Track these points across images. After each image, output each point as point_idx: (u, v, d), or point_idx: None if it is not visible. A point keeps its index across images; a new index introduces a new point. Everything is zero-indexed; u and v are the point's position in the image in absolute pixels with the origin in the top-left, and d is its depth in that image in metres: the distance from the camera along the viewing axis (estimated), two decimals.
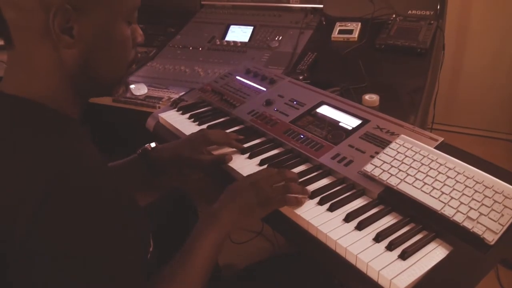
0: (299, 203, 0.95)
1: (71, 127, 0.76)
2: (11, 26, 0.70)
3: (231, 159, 1.13)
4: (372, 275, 0.81)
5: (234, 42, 1.97)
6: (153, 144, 1.20)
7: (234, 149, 1.17)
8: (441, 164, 0.98)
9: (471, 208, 0.88)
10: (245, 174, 1.07)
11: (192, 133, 1.20)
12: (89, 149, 0.74)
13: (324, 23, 1.95)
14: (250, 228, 2.14)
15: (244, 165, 1.12)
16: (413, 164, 0.99)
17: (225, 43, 1.99)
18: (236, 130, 1.28)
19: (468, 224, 0.85)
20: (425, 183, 0.95)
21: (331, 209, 0.95)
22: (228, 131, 1.26)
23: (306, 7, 2.05)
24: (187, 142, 1.17)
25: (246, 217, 0.93)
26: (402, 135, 1.08)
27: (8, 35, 0.71)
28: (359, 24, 1.86)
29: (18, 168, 0.65)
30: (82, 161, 0.68)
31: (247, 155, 1.15)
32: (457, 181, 0.94)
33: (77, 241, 0.63)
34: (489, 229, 0.84)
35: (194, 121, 1.34)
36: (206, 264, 0.85)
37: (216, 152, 1.17)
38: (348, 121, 1.18)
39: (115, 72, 0.81)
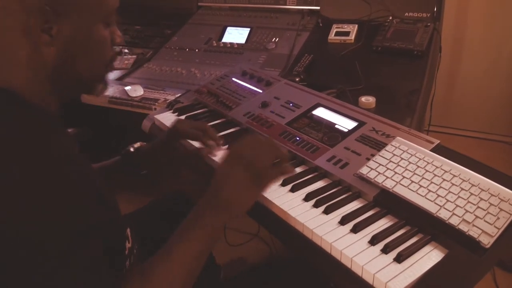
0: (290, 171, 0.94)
1: (43, 118, 0.77)
2: None
3: (207, 152, 1.13)
4: (367, 278, 0.80)
5: (231, 43, 1.97)
6: (137, 145, 1.21)
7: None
8: (437, 167, 0.98)
9: (466, 211, 0.87)
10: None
11: (166, 131, 1.22)
12: (60, 140, 0.76)
13: (320, 25, 1.96)
14: (246, 230, 2.14)
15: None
16: (409, 166, 0.99)
17: (222, 44, 1.99)
18: (232, 132, 1.28)
19: (463, 227, 0.85)
20: (421, 186, 0.94)
21: (326, 211, 0.94)
22: (223, 133, 1.26)
23: (303, 9, 2.05)
24: (160, 139, 1.20)
25: (238, 201, 0.86)
26: (398, 138, 1.07)
27: None
28: (356, 26, 1.86)
29: None
30: (47, 149, 0.70)
31: None
32: (453, 184, 0.93)
33: (41, 235, 0.64)
34: (484, 232, 0.83)
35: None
36: (190, 262, 0.81)
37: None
38: (344, 123, 1.18)
39: (93, 71, 0.84)
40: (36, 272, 0.63)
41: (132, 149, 1.20)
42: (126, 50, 2.06)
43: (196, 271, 0.83)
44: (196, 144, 1.19)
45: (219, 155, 1.13)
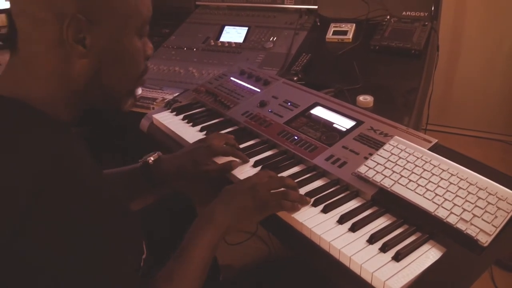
0: (295, 208, 0.94)
1: (61, 130, 0.76)
2: (21, 35, 0.71)
3: (237, 165, 1.11)
4: (366, 276, 0.81)
5: (229, 43, 1.97)
6: (155, 156, 1.16)
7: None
8: (434, 166, 0.98)
9: (464, 209, 0.88)
10: (239, 175, 1.07)
11: (195, 145, 1.16)
12: (79, 152, 0.74)
13: (318, 24, 1.95)
14: (244, 228, 2.14)
15: (238, 167, 1.11)
16: (407, 165, 0.99)
17: (220, 44, 1.98)
18: (230, 131, 1.28)
19: (461, 226, 0.85)
20: (419, 185, 0.95)
21: (325, 210, 0.94)
22: (222, 132, 1.26)
23: (300, 8, 2.05)
24: (190, 155, 1.13)
25: (242, 220, 0.92)
26: (396, 137, 1.08)
27: (14, 41, 0.72)
28: (354, 25, 1.86)
29: (1, 168, 0.65)
30: (69, 162, 0.68)
31: None
32: (451, 183, 0.94)
33: (64, 243, 0.63)
34: (482, 231, 0.84)
35: (188, 122, 1.34)
36: (202, 265, 0.85)
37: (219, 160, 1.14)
38: (342, 123, 1.18)
39: (125, 85, 0.81)
40: (63, 275, 0.63)
41: (150, 161, 1.15)
42: None
43: (205, 273, 0.87)
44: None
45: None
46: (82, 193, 0.66)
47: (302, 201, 0.96)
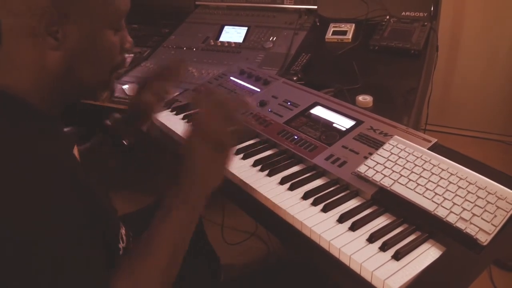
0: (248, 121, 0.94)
1: (38, 120, 0.77)
2: (2, 27, 0.73)
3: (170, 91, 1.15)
4: (366, 275, 0.81)
5: (228, 42, 1.97)
6: (112, 116, 1.20)
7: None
8: (434, 165, 0.98)
9: (464, 209, 0.88)
10: (240, 176, 1.07)
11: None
12: (52, 142, 0.75)
13: (318, 24, 1.96)
14: (243, 228, 2.15)
15: (238, 166, 1.12)
16: (407, 165, 1.00)
17: (219, 43, 1.99)
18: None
19: (461, 225, 0.85)
20: (418, 184, 0.95)
21: (324, 210, 0.95)
22: None
23: (300, 8, 2.05)
24: (132, 100, 1.19)
25: (209, 175, 0.85)
26: (396, 136, 1.08)
27: None
28: (353, 25, 1.86)
29: None
30: (39, 149, 0.70)
31: (241, 155, 1.15)
32: (450, 182, 0.94)
33: (33, 231, 0.64)
34: (482, 230, 0.84)
35: (187, 122, 1.34)
36: (170, 250, 0.79)
37: None
38: (342, 122, 1.19)
39: (98, 77, 0.82)
40: (29, 275, 0.63)
41: (109, 122, 1.18)
42: None
43: (186, 244, 0.82)
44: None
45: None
46: (44, 183, 0.67)
47: (246, 105, 0.91)
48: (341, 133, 1.15)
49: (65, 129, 0.87)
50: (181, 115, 1.38)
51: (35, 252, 0.63)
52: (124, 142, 1.18)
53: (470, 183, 0.93)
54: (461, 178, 0.94)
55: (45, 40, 0.72)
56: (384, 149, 1.05)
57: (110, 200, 0.84)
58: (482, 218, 0.86)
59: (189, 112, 1.38)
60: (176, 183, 0.84)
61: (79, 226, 0.69)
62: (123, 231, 0.93)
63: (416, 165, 0.99)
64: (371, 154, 1.05)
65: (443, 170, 0.97)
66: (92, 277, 0.69)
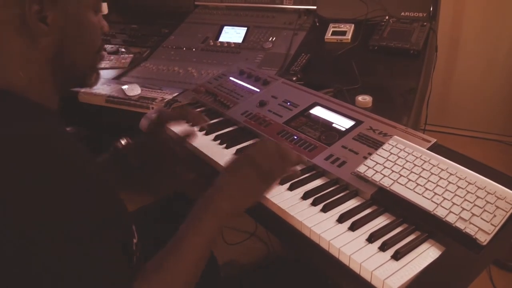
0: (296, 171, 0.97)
1: (44, 115, 0.77)
2: None
3: (193, 133, 1.16)
4: (365, 275, 0.81)
5: (228, 43, 1.98)
6: (123, 141, 1.19)
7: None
8: (433, 165, 0.98)
9: (463, 208, 0.88)
10: None
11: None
12: (62, 136, 0.75)
13: (317, 24, 1.96)
14: (243, 228, 2.14)
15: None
16: (406, 165, 1.00)
17: (219, 44, 1.99)
18: (230, 131, 1.28)
19: (460, 225, 0.85)
20: (418, 184, 0.95)
21: (324, 210, 0.95)
22: (221, 132, 1.26)
23: (299, 8, 2.05)
24: (148, 130, 1.18)
25: (245, 196, 0.88)
26: (395, 136, 1.08)
27: None
28: (352, 25, 1.86)
29: None
30: (52, 146, 0.69)
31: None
32: (450, 182, 0.94)
33: (50, 228, 0.63)
34: (481, 230, 0.84)
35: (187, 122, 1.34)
36: (197, 256, 0.82)
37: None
38: (341, 122, 1.19)
39: (87, 59, 0.84)
40: (49, 270, 0.63)
41: (120, 145, 1.18)
42: (123, 49, 2.06)
43: (202, 264, 0.84)
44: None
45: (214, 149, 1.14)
46: (68, 178, 0.67)
47: (300, 160, 0.98)
48: (341, 133, 1.15)
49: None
50: None
51: (55, 252, 0.63)
52: (131, 164, 1.18)
53: (469, 183, 0.93)
54: (460, 178, 0.94)
55: (36, 26, 0.73)
56: (384, 149, 1.05)
57: (119, 195, 0.84)
58: (481, 218, 0.86)
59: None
60: (209, 194, 0.87)
61: (98, 223, 0.69)
62: (133, 226, 0.93)
63: (415, 165, 0.99)
64: (370, 154, 1.05)
65: (442, 170, 0.97)
66: (113, 276, 0.69)
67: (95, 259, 0.67)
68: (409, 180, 0.96)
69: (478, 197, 0.90)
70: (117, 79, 1.85)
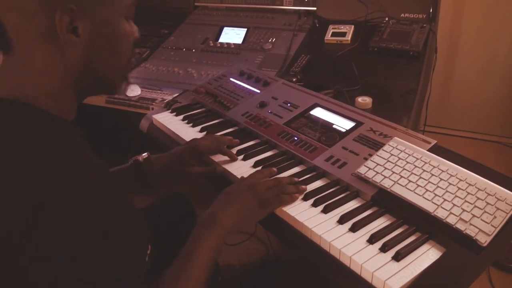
0: (293, 199, 0.98)
1: (65, 129, 0.76)
2: (11, 30, 0.70)
3: (221, 170, 1.13)
4: (366, 276, 0.81)
5: (228, 43, 1.98)
6: (145, 155, 1.17)
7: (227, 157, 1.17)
8: (434, 167, 0.99)
9: (464, 210, 0.89)
10: (239, 176, 1.07)
11: (183, 145, 1.18)
12: (84, 150, 0.73)
13: (317, 25, 1.96)
14: (243, 229, 2.14)
15: (238, 167, 1.12)
16: (406, 166, 1.00)
17: (219, 44, 1.99)
18: (230, 132, 1.28)
19: (461, 226, 0.86)
20: (418, 185, 0.95)
21: (325, 211, 0.95)
22: (221, 133, 1.26)
23: (299, 10, 2.06)
24: (177, 154, 1.16)
25: (244, 220, 0.94)
26: (395, 138, 1.08)
27: (4, 39, 0.71)
28: (352, 26, 1.87)
29: (9, 170, 0.64)
30: (76, 162, 0.68)
31: (242, 157, 1.15)
32: (450, 183, 0.94)
33: (75, 243, 0.63)
34: (481, 231, 0.84)
35: (188, 123, 1.34)
36: (207, 266, 0.85)
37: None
38: (342, 123, 1.19)
39: (119, 68, 0.82)
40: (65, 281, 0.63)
41: (141, 159, 1.15)
42: None
43: (209, 274, 0.87)
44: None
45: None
46: (87, 193, 0.66)
47: (299, 191, 1.00)
48: (341, 134, 1.15)
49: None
50: (181, 116, 1.38)
51: (72, 269, 0.63)
52: (147, 179, 1.16)
53: (469, 185, 0.93)
54: (460, 180, 0.95)
55: (65, 38, 0.70)
56: (384, 151, 1.05)
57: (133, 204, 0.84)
58: (481, 219, 0.86)
59: (190, 113, 1.38)
60: (213, 212, 0.92)
61: (113, 232, 0.68)
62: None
63: (416, 166, 1.00)
64: (371, 155, 1.05)
65: (442, 171, 0.97)
66: (131, 280, 0.70)
67: (113, 275, 0.67)
68: (410, 181, 0.96)
69: (478, 198, 0.90)
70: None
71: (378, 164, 1.02)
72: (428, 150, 1.05)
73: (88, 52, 0.74)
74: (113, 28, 0.76)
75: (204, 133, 1.28)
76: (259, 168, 1.10)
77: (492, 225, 0.85)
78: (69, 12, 0.68)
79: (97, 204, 0.66)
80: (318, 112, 1.26)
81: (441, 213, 0.89)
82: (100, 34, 0.74)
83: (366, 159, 1.05)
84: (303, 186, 1.01)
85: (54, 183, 0.63)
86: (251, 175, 1.03)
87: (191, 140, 1.19)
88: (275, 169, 1.07)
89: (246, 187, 0.97)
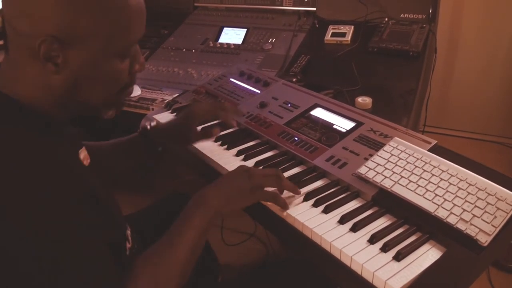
0: (285, 205, 0.97)
1: (54, 129, 0.78)
2: (8, 39, 0.74)
3: (218, 133, 1.20)
4: (367, 276, 0.81)
5: (228, 44, 1.98)
6: (153, 123, 1.24)
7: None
8: (434, 167, 0.99)
9: (464, 210, 0.89)
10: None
11: (183, 111, 1.23)
12: (69, 150, 0.78)
13: (317, 26, 1.97)
14: (243, 229, 2.15)
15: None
16: (407, 166, 1.00)
17: (219, 45, 1.99)
18: (230, 132, 1.28)
19: (461, 226, 0.86)
20: (419, 185, 0.95)
21: (325, 211, 0.95)
22: (222, 133, 1.26)
23: (299, 10, 2.06)
24: (179, 121, 1.22)
25: (233, 201, 0.92)
26: (396, 138, 1.08)
27: (5, 41, 0.75)
28: (352, 27, 1.87)
29: None
30: (54, 159, 0.71)
31: (242, 157, 1.15)
32: (450, 183, 0.95)
33: (43, 236, 0.65)
34: (482, 231, 0.84)
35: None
36: (189, 248, 0.85)
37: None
38: (342, 124, 1.19)
39: (102, 99, 0.82)
40: (40, 274, 0.65)
41: (149, 127, 1.22)
42: None
43: (200, 249, 0.88)
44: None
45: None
46: (57, 189, 0.69)
47: (295, 189, 0.99)
48: (341, 135, 1.15)
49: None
50: None
51: (43, 253, 0.65)
52: (158, 148, 1.22)
53: (470, 185, 0.93)
54: (461, 180, 0.95)
55: (44, 64, 0.72)
56: (385, 151, 1.05)
57: (116, 200, 0.85)
58: (482, 219, 0.87)
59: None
60: (203, 191, 0.92)
61: (85, 226, 0.70)
62: (128, 231, 0.94)
63: (416, 166, 1.00)
64: (371, 155, 1.06)
65: (443, 171, 0.97)
66: (102, 276, 0.71)
67: (87, 261, 0.69)
68: (410, 181, 0.97)
69: (478, 198, 0.91)
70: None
71: (378, 164, 1.02)
72: (429, 150, 1.05)
73: (72, 80, 0.75)
74: (98, 66, 0.76)
75: None
76: (260, 167, 1.10)
77: (492, 225, 0.85)
78: (49, 43, 0.70)
79: (62, 197, 0.68)
80: (318, 112, 1.26)
81: (441, 213, 0.89)
82: (83, 68, 0.75)
83: (366, 159, 1.05)
84: (299, 190, 1.00)
85: (25, 177, 0.66)
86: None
87: (189, 105, 1.29)
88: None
89: (243, 170, 0.97)
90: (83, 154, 0.91)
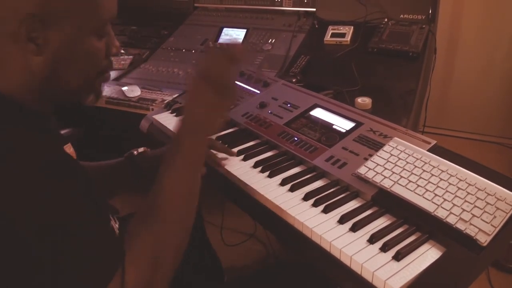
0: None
1: (32, 120, 0.79)
2: None
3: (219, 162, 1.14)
4: (367, 276, 0.81)
5: (227, 44, 1.98)
6: (141, 149, 1.21)
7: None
8: (434, 167, 0.99)
9: (463, 210, 0.89)
10: (241, 177, 1.08)
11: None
12: (48, 141, 0.78)
13: (316, 26, 1.96)
14: (242, 229, 2.15)
15: (239, 167, 1.12)
16: (406, 166, 1.00)
17: (218, 45, 1.99)
18: (230, 132, 1.29)
19: (461, 226, 0.86)
20: (418, 185, 0.96)
21: (325, 211, 0.95)
22: (222, 133, 1.26)
23: (299, 10, 2.06)
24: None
25: (212, 116, 0.89)
26: (395, 138, 1.09)
27: None
28: (352, 27, 1.87)
29: None
30: (33, 149, 0.72)
31: (242, 157, 1.16)
32: (450, 183, 0.95)
33: (43, 236, 0.66)
34: (481, 231, 0.85)
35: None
36: (182, 196, 0.84)
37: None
38: (342, 124, 1.19)
39: (81, 81, 0.82)
40: (40, 274, 0.66)
41: (135, 153, 1.20)
42: (123, 51, 2.06)
43: (193, 197, 0.86)
44: None
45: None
46: (60, 182, 0.70)
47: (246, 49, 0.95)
48: (341, 135, 1.16)
49: (64, 130, 0.89)
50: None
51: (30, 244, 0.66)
52: (143, 171, 1.18)
53: (469, 185, 0.94)
54: (460, 180, 0.95)
55: (26, 45, 0.73)
56: (384, 151, 1.05)
57: (99, 190, 0.85)
58: (481, 219, 0.87)
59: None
60: (176, 138, 0.87)
61: (86, 220, 0.72)
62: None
63: (416, 166, 1.00)
64: (371, 155, 1.06)
65: (442, 171, 0.98)
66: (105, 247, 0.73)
67: (89, 256, 0.70)
68: (410, 181, 0.97)
69: (478, 198, 0.91)
70: (117, 80, 1.85)
71: (378, 164, 1.02)
72: (428, 150, 1.05)
73: (50, 62, 0.76)
74: (77, 45, 0.77)
75: None
76: (260, 168, 1.11)
77: (492, 225, 0.85)
78: (31, 22, 0.71)
79: (53, 192, 0.69)
80: (318, 113, 1.26)
81: (441, 213, 0.89)
82: (63, 48, 0.76)
83: (366, 159, 1.05)
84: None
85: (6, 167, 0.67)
86: (203, 61, 0.91)
87: None
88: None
89: (194, 82, 0.89)
90: (69, 150, 0.91)
